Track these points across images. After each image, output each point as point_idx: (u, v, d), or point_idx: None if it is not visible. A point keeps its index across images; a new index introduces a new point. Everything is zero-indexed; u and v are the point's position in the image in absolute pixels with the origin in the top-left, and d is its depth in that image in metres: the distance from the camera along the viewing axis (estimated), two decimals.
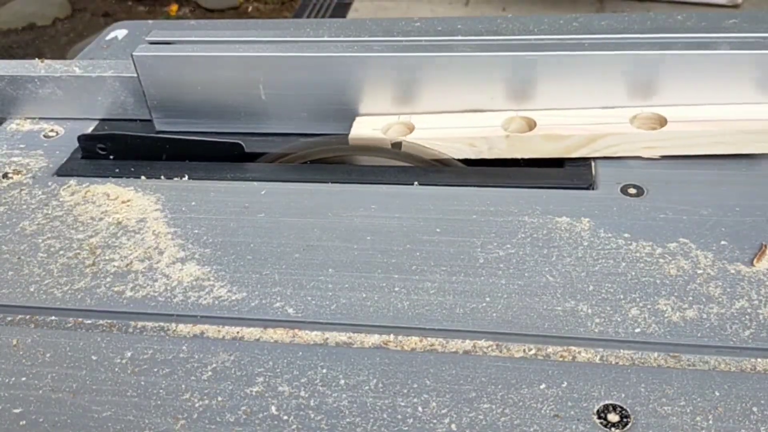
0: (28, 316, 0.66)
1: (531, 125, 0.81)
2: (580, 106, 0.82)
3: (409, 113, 0.85)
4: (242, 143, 0.85)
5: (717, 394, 0.54)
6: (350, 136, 0.84)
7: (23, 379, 0.60)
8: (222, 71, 0.86)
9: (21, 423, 0.56)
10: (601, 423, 0.52)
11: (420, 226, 0.72)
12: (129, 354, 0.61)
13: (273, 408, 0.56)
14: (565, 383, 0.55)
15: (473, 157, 0.81)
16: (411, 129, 0.83)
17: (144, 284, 0.68)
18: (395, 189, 0.77)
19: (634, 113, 0.80)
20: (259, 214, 0.75)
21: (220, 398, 0.57)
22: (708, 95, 0.80)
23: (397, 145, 0.81)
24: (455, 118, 0.84)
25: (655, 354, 0.57)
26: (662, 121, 0.79)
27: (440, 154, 0.82)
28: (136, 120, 0.94)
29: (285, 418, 0.55)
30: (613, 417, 0.53)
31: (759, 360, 0.56)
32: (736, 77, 0.79)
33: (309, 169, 0.84)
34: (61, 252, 0.72)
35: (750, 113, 0.77)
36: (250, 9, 3.47)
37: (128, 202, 0.79)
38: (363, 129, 0.84)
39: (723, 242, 0.67)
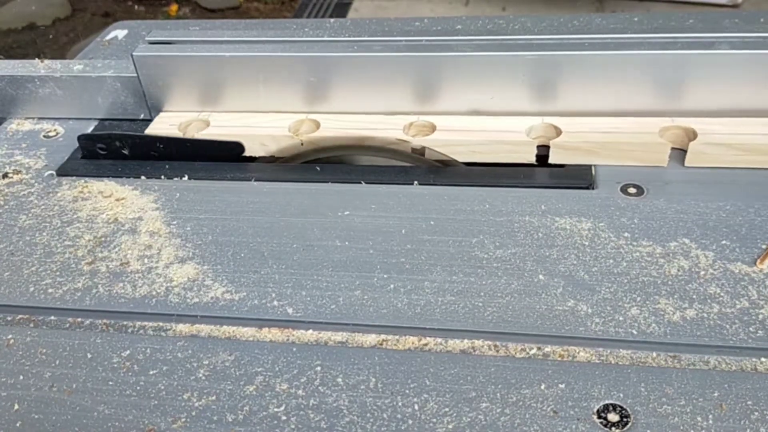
0: (26, 316, 0.66)
1: (317, 126, 0.85)
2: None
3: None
4: (242, 143, 0.85)
5: (717, 394, 0.54)
6: (147, 131, 0.87)
7: (21, 378, 0.60)
8: (222, 71, 0.86)
9: (19, 422, 0.56)
10: (601, 423, 0.52)
11: (420, 226, 0.72)
12: (128, 353, 0.61)
13: (272, 407, 0.56)
14: (565, 383, 0.55)
15: (263, 154, 0.85)
16: (207, 125, 0.87)
17: (143, 284, 0.68)
18: (395, 189, 0.77)
19: (411, 120, 0.84)
20: (259, 214, 0.75)
21: (219, 398, 0.57)
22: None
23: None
24: (255, 118, 0.87)
25: (655, 354, 0.57)
26: (433, 128, 0.82)
27: (440, 155, 0.82)
28: (136, 120, 0.94)
29: (284, 417, 0.55)
30: (613, 417, 0.53)
31: (759, 360, 0.56)
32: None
33: (309, 169, 0.84)
34: (60, 251, 0.72)
35: (510, 125, 0.81)
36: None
37: (126, 200, 0.79)
38: (161, 125, 0.88)
39: (723, 242, 0.67)
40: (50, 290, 0.68)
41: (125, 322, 0.65)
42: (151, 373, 0.59)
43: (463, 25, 1.09)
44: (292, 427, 0.54)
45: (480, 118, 0.83)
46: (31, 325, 0.65)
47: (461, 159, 0.81)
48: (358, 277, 0.66)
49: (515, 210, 0.73)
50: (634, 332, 0.59)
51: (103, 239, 0.74)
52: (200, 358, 0.60)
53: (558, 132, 0.80)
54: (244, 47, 0.86)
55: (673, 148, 0.77)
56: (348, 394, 0.56)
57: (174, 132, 0.86)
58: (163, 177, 0.83)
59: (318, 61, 0.84)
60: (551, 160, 0.79)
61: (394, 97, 0.84)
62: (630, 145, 0.77)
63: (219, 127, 0.87)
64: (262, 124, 0.86)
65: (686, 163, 0.76)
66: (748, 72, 0.77)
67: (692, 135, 0.77)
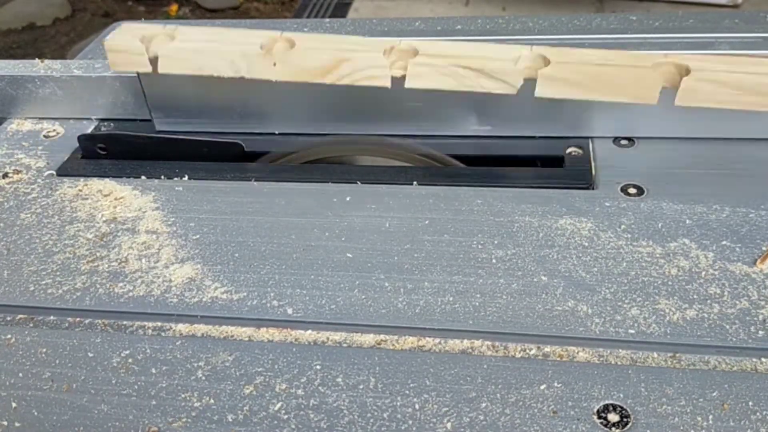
0: (26, 316, 0.66)
1: (292, 45, 0.78)
2: None
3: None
4: (242, 143, 0.85)
5: (717, 394, 0.54)
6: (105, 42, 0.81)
7: (21, 377, 0.60)
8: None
9: (19, 422, 0.56)
10: (601, 423, 0.52)
11: (420, 226, 0.72)
12: (128, 353, 0.61)
13: (272, 408, 0.56)
14: (565, 383, 0.55)
15: (232, 74, 0.78)
16: (173, 39, 0.80)
17: (142, 283, 0.68)
18: (395, 189, 0.77)
19: (393, 44, 0.77)
20: (259, 214, 0.75)
21: (219, 398, 0.57)
22: None
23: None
24: (225, 34, 0.81)
25: (655, 354, 0.57)
26: (415, 53, 0.75)
27: (437, 154, 0.82)
28: (136, 120, 0.94)
29: (284, 417, 0.55)
30: (613, 417, 0.53)
31: (759, 360, 0.56)
32: None
33: (309, 169, 0.84)
34: (60, 251, 0.72)
35: (498, 53, 0.75)
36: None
37: (126, 200, 0.79)
38: (122, 37, 0.81)
39: (723, 242, 0.67)
40: (50, 290, 0.68)
41: (125, 322, 0.65)
42: (151, 373, 0.59)
43: (463, 25, 1.09)
44: (292, 427, 0.54)
45: (464, 43, 0.76)
46: (31, 325, 0.65)
47: (445, 87, 0.75)
48: (357, 277, 0.66)
49: (515, 210, 0.73)
50: (634, 332, 0.59)
51: (102, 239, 0.74)
52: (200, 358, 0.60)
53: (546, 62, 0.74)
54: None
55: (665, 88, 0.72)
56: (348, 394, 0.56)
57: (136, 46, 0.80)
58: (163, 177, 0.83)
59: None
60: (537, 93, 0.73)
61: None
62: (621, 78, 0.71)
63: (186, 42, 0.79)
64: (233, 41, 0.78)
65: (677, 102, 0.71)
66: None
67: (685, 72, 0.71)
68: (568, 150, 0.81)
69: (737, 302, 0.61)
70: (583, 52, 0.74)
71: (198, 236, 0.73)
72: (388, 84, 0.76)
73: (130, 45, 0.80)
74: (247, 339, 0.62)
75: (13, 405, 0.58)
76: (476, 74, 0.73)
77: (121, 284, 0.68)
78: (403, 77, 0.75)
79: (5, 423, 0.56)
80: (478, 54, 0.75)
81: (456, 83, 0.74)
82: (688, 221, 0.69)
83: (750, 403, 0.53)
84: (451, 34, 0.87)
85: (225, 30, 0.82)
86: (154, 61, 0.80)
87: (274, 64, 0.76)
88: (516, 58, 0.74)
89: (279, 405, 0.56)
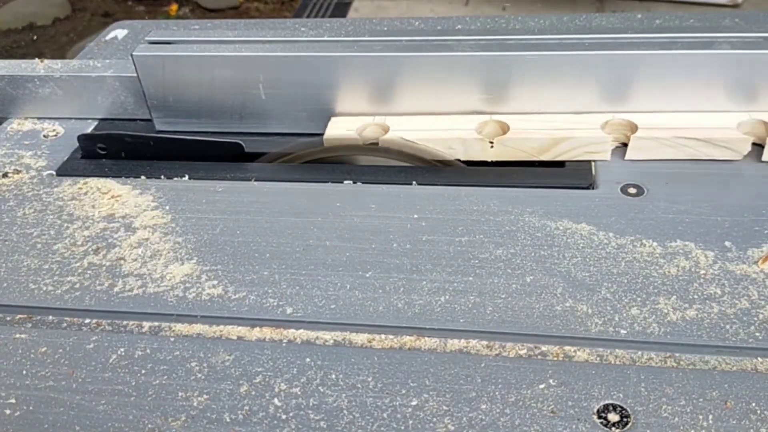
0: (25, 316, 0.66)
1: (504, 126, 0.82)
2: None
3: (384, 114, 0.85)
4: (242, 143, 0.85)
5: (717, 393, 0.54)
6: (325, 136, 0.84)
7: (21, 377, 0.60)
8: (222, 71, 0.86)
9: (20, 422, 0.56)
10: (601, 423, 0.52)
11: (419, 226, 0.72)
12: (127, 353, 0.61)
13: (272, 407, 0.56)
14: (565, 383, 0.55)
15: (448, 158, 0.81)
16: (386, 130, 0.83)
17: (141, 283, 0.68)
18: (395, 189, 0.77)
19: (606, 119, 0.80)
20: (259, 214, 0.75)
21: (219, 397, 0.57)
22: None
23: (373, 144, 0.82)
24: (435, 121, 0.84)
25: (655, 354, 0.57)
26: (632, 127, 0.79)
27: (440, 154, 0.82)
28: (136, 120, 0.94)
29: (284, 417, 0.55)
30: (613, 417, 0.53)
31: (759, 360, 0.56)
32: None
33: (309, 169, 0.84)
34: (60, 251, 0.72)
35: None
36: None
37: (125, 200, 0.79)
38: (337, 129, 0.84)
39: (723, 242, 0.67)
40: (49, 289, 0.68)
41: (124, 322, 0.65)
42: (150, 372, 0.59)
43: (463, 25, 1.09)
44: (292, 427, 0.54)
45: (680, 114, 0.80)
46: (30, 324, 0.65)
47: (667, 157, 0.79)
48: (357, 277, 0.66)
49: (515, 210, 0.73)
50: (634, 332, 0.59)
51: (102, 239, 0.74)
52: (199, 357, 0.60)
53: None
54: (244, 47, 0.86)
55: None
56: (347, 393, 0.56)
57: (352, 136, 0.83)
58: (163, 177, 0.83)
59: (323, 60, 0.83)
60: (764, 158, 0.77)
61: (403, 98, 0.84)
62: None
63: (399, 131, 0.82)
64: (445, 126, 0.81)
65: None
66: (748, 72, 0.77)
67: None
68: None
69: (737, 302, 0.61)
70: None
71: (197, 236, 0.73)
72: (608, 158, 0.79)
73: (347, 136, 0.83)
74: (247, 339, 0.62)
75: (14, 405, 0.58)
76: (702, 144, 0.77)
77: (120, 284, 0.68)
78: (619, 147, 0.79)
79: (5, 422, 0.56)
80: (697, 124, 0.78)
81: (678, 153, 0.78)
82: (688, 221, 0.69)
83: (750, 403, 0.53)
84: (451, 33, 0.87)
85: (434, 118, 0.83)
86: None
87: (492, 146, 0.80)
88: (736, 124, 0.77)
89: (278, 405, 0.56)
